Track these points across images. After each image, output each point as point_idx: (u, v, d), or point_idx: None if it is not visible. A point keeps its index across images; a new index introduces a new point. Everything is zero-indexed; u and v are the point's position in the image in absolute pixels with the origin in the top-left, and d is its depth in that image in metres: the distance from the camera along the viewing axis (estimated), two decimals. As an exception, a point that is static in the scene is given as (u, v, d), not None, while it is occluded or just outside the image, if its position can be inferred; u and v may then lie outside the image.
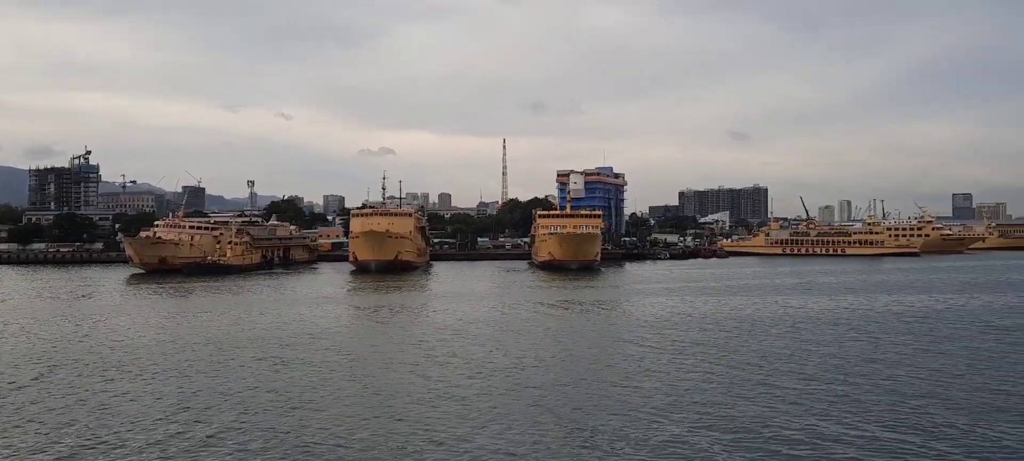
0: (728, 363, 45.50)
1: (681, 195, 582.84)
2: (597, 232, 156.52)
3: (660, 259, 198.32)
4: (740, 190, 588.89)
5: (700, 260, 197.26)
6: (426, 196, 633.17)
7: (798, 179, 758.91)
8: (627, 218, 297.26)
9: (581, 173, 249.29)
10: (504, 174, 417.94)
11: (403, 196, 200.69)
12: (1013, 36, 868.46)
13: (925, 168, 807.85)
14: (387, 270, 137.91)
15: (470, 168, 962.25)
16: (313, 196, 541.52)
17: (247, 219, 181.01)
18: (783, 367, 44.13)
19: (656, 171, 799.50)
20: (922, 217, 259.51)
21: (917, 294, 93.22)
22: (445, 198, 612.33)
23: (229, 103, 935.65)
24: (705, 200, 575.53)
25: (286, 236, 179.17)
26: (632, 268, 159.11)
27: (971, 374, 42.09)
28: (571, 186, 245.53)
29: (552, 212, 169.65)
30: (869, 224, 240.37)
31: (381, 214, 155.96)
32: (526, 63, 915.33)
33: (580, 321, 69.22)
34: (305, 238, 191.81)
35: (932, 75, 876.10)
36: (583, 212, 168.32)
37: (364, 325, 66.59)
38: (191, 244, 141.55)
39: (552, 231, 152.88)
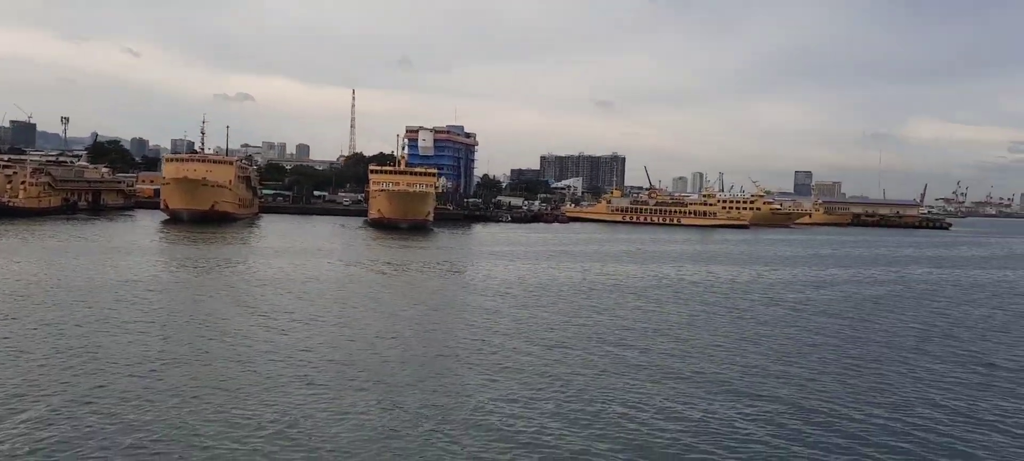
0: (493, 324, 43.29)
1: (542, 159, 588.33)
2: (429, 191, 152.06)
3: (502, 221, 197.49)
4: (599, 158, 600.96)
5: (541, 224, 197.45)
6: (283, 146, 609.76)
7: (658, 150, 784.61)
8: (478, 179, 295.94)
9: (430, 130, 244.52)
10: (352, 127, 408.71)
11: (234, 147, 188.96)
12: (864, 29, 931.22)
13: (776, 147, 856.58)
14: (201, 221, 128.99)
15: (333, 120, 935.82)
16: (161, 140, 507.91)
17: (51, 159, 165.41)
18: (561, 328, 42.45)
19: (522, 135, 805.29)
20: (755, 191, 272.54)
21: (724, 265, 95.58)
22: (303, 149, 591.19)
23: (69, 34, 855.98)
24: (565, 166, 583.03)
25: (97, 179, 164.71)
26: (475, 230, 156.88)
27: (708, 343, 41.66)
28: (420, 143, 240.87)
29: (385, 168, 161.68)
30: (705, 196, 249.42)
31: (199, 160, 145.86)
32: (394, 17, 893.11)
33: (379, 286, 65.65)
34: (120, 182, 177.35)
35: (786, 61, 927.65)
36: (417, 169, 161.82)
37: (139, 282, 59.83)
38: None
39: (383, 188, 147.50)
